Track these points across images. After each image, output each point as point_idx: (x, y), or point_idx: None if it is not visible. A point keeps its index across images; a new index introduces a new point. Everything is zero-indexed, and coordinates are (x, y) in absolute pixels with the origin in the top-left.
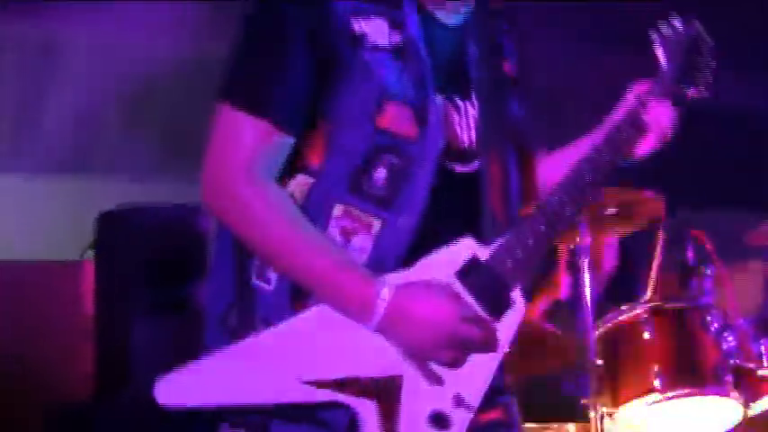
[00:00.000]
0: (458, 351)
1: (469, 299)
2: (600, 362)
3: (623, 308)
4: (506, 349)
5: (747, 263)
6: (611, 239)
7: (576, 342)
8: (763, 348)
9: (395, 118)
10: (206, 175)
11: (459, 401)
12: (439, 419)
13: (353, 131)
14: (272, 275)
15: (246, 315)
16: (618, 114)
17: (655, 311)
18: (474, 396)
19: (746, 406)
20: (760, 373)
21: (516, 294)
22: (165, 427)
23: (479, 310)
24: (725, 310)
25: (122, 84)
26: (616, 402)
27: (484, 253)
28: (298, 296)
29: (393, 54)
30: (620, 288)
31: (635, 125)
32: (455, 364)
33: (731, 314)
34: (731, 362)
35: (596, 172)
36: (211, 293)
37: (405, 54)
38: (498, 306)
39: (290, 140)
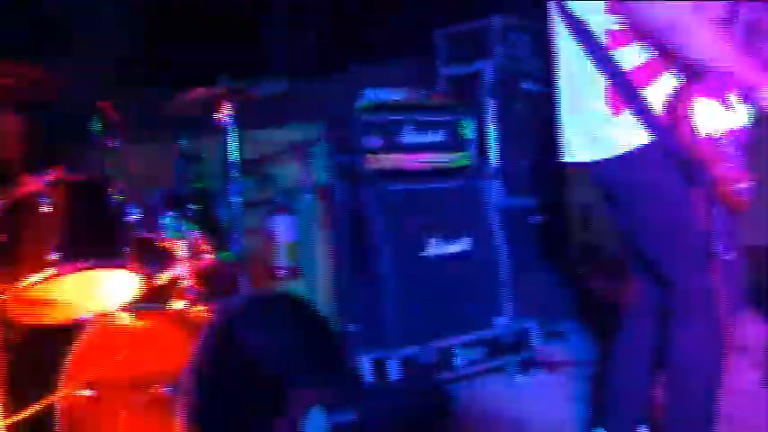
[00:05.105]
0: None
1: None
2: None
3: (23, 180)
4: None
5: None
6: None
7: None
8: (167, 220)
9: None
10: None
11: None
12: None
13: None
14: None
15: None
16: None
17: (54, 184)
18: None
19: (149, 277)
20: (162, 244)
21: None
22: None
23: None
24: (128, 182)
25: None
26: (16, 278)
27: None
28: None
29: None
30: None
31: None
32: None
33: (137, 187)
34: (134, 234)
35: None
36: None
37: None
38: None
39: None
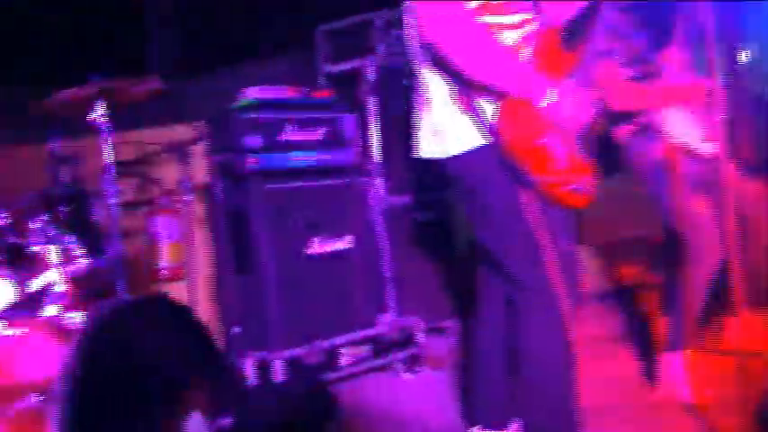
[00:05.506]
0: None
1: None
2: None
3: None
4: None
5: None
6: None
7: None
8: (38, 225)
9: None
10: None
11: None
12: None
13: None
14: None
15: None
16: None
17: None
18: None
19: (21, 285)
20: (32, 249)
21: None
22: None
23: None
24: None
25: None
26: None
27: None
28: None
29: None
30: None
31: None
32: None
33: (4, 190)
34: (2, 239)
35: None
36: None
37: None
38: None
39: None
